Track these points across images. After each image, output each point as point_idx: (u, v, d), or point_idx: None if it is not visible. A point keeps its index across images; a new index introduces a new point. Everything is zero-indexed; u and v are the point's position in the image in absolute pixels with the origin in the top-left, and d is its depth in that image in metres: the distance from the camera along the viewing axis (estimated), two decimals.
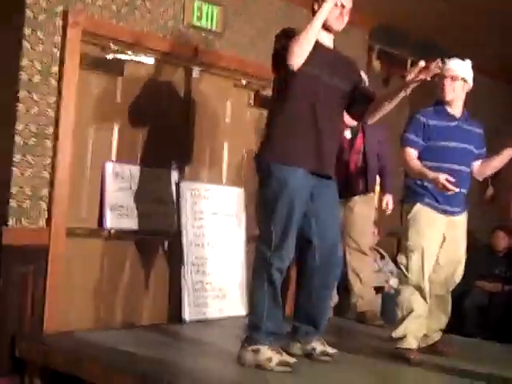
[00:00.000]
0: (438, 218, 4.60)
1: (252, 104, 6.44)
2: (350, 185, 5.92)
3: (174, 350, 4.73)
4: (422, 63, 4.04)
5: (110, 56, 5.34)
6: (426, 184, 4.56)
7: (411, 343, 4.59)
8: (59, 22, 4.96)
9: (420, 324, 4.64)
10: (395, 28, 7.24)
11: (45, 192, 4.90)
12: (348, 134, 5.95)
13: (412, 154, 4.61)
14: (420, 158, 4.61)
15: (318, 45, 4.13)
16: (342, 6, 4.28)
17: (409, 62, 7.87)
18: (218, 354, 4.62)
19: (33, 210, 4.85)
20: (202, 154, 6.04)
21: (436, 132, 4.61)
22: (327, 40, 4.36)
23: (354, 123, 5.85)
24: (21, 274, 4.78)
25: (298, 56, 3.99)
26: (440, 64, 4.05)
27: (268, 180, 4.18)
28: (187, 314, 5.60)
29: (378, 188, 6.37)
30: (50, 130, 4.91)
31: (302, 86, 4.15)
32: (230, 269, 6.01)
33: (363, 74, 5.03)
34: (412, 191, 4.67)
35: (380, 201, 6.21)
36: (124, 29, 5.36)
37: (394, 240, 8.11)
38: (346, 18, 4.33)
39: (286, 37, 4.13)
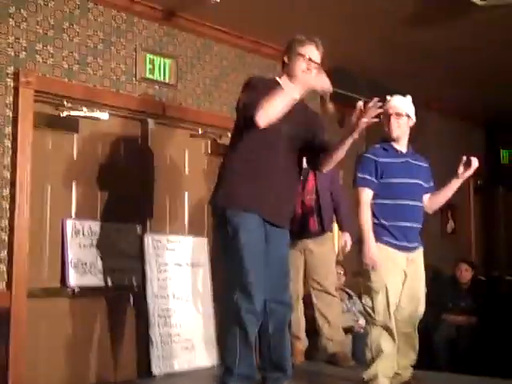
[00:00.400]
0: (398, 255, 4.60)
1: (209, 153, 6.45)
2: (306, 226, 5.91)
3: None
4: (360, 104, 4.07)
5: (64, 114, 5.35)
6: (383, 222, 4.58)
7: (382, 383, 4.57)
8: (10, 82, 4.97)
9: (390, 363, 4.62)
10: (347, 70, 7.33)
11: (3, 254, 4.84)
12: None
13: (367, 195, 4.60)
14: (375, 195, 4.61)
15: None
16: (310, 60, 4.30)
17: (361, 102, 7.98)
18: None
19: None
20: (163, 206, 6.03)
21: (387, 169, 4.62)
22: None
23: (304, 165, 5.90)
24: None
25: (265, 122, 3.97)
26: (377, 103, 4.04)
27: (224, 224, 4.17)
28: (156, 367, 5.53)
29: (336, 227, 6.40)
30: (7, 191, 4.88)
31: (261, 135, 4.11)
32: (197, 319, 5.95)
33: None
34: (373, 230, 4.62)
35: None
36: (77, 86, 5.37)
37: (360, 280, 8.14)
38: (315, 72, 4.29)
39: (253, 90, 4.11)
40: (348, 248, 6.09)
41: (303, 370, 5.56)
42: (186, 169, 6.30)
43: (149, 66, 5.89)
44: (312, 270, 5.94)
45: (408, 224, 4.61)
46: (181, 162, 6.25)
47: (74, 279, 5.27)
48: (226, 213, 4.16)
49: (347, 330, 6.62)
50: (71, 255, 5.29)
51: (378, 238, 4.58)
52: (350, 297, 7.25)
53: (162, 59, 5.98)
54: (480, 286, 7.98)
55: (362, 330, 6.93)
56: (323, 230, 5.97)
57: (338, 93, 7.69)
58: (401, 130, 4.72)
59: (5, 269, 4.85)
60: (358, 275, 8.05)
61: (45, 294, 5.16)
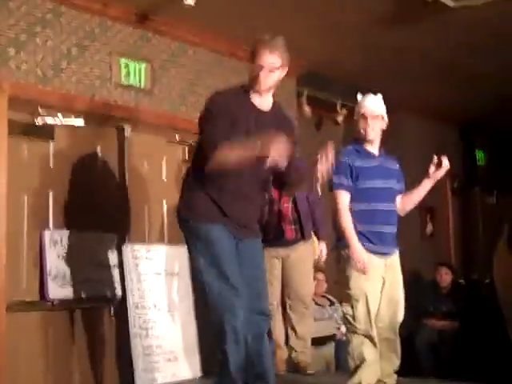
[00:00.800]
0: (376, 260, 4.48)
1: (187, 159, 6.32)
2: (282, 234, 5.81)
3: None
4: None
5: (39, 121, 5.20)
6: (359, 227, 4.44)
7: None
8: None
9: (373, 371, 4.51)
10: (322, 73, 7.31)
11: None
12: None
13: (345, 199, 4.48)
14: (350, 199, 4.50)
15: (249, 108, 3.94)
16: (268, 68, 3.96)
17: (338, 104, 7.93)
18: None
19: None
20: (141, 214, 5.92)
21: (361, 173, 4.51)
22: (261, 101, 4.03)
23: None
24: None
25: (215, 169, 3.79)
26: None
27: (191, 235, 4.02)
28: (139, 380, 5.40)
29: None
30: None
31: None
32: (178, 330, 5.83)
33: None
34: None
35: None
36: (51, 92, 5.25)
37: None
38: (276, 74, 4.01)
39: (214, 121, 3.82)
40: (324, 257, 6.07)
41: (286, 380, 5.53)
42: (164, 176, 6.18)
43: (124, 71, 5.77)
44: (289, 277, 5.89)
45: (384, 228, 4.52)
46: (158, 169, 6.13)
47: (53, 291, 5.12)
48: (190, 224, 4.00)
49: (329, 338, 6.56)
50: (50, 266, 5.14)
51: None
52: (331, 303, 7.17)
53: (136, 63, 5.86)
54: (460, 290, 7.94)
55: (344, 338, 6.84)
56: (303, 237, 5.89)
57: (315, 96, 7.70)
58: (375, 133, 4.59)
59: None
60: (338, 283, 8.07)
61: (24, 307, 5.01)
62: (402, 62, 7.16)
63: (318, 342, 6.41)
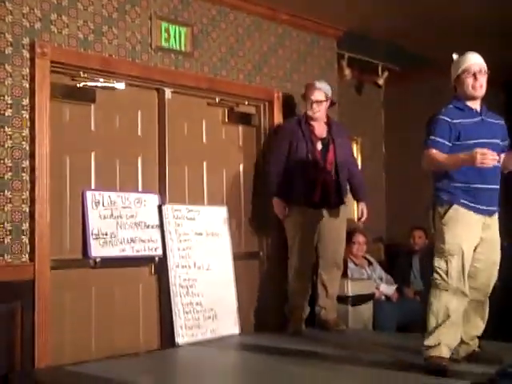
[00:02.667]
0: (475, 218, 4.37)
1: (227, 121, 6.40)
2: (327, 197, 5.96)
3: (172, 376, 4.72)
4: None
5: (80, 84, 5.31)
6: (461, 184, 4.35)
7: (444, 352, 4.33)
8: (26, 54, 4.93)
9: (454, 332, 4.39)
10: (363, 35, 7.24)
11: (25, 226, 4.84)
12: (319, 145, 5.97)
13: (437, 155, 4.34)
14: None
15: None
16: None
17: (380, 67, 7.90)
18: (217, 376, 4.63)
19: (15, 245, 4.79)
20: (181, 176, 6.00)
21: (463, 130, 4.37)
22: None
23: (324, 135, 5.93)
24: (8, 311, 4.70)
25: None
26: None
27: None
28: (180, 337, 5.56)
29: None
30: (26, 163, 4.87)
31: None
32: (219, 288, 5.95)
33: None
34: (446, 193, 4.40)
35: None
36: (92, 56, 5.33)
37: (381, 245, 8.13)
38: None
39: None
40: (365, 217, 6.18)
41: (306, 336, 5.83)
42: (204, 138, 6.25)
43: (164, 35, 5.82)
44: (325, 239, 6.04)
45: (488, 186, 4.39)
46: (198, 131, 6.20)
47: (95, 250, 5.25)
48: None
49: (367, 297, 6.62)
50: (92, 226, 5.27)
51: (454, 200, 4.37)
52: (370, 264, 7.23)
53: (177, 27, 5.91)
54: None
55: (383, 297, 6.93)
56: (341, 201, 6.03)
57: (356, 59, 7.69)
58: (483, 90, 4.48)
59: (27, 241, 4.84)
60: (378, 241, 8.12)
61: (67, 265, 5.16)
62: (445, 21, 7.04)
63: (356, 301, 6.48)
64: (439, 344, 4.31)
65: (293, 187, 5.93)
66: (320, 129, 6.07)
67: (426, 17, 6.83)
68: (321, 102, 6.03)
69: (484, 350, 4.63)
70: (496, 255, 4.53)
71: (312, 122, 6.05)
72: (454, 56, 4.61)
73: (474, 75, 4.46)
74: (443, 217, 4.38)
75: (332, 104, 6.19)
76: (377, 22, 6.91)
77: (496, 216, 4.52)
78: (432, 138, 4.38)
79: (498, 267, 4.55)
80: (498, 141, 4.50)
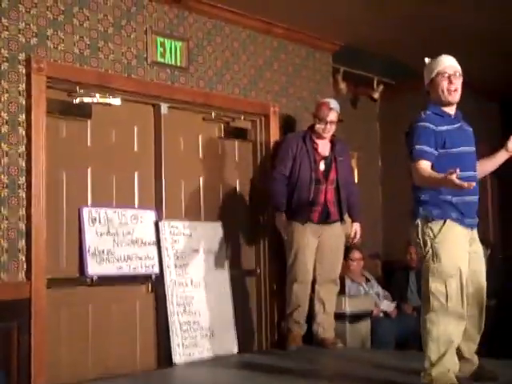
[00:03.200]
0: (464, 233, 4.17)
1: (223, 136, 6.35)
2: (328, 214, 5.96)
3: None
4: None
5: (76, 100, 5.26)
6: (449, 198, 4.10)
7: (453, 378, 4.08)
8: (22, 69, 4.88)
9: (455, 356, 4.17)
10: (358, 49, 7.22)
11: (22, 244, 4.77)
12: (322, 165, 5.93)
13: (427, 166, 4.11)
14: (434, 169, 4.12)
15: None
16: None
17: (375, 81, 7.89)
18: None
19: (11, 264, 4.72)
20: (177, 191, 5.94)
21: (448, 138, 4.17)
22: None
23: (327, 154, 5.90)
24: (4, 330, 4.63)
25: None
26: None
27: None
28: (177, 356, 5.49)
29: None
30: (22, 179, 4.80)
31: None
32: (216, 306, 5.89)
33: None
34: (435, 207, 4.16)
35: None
36: (88, 71, 5.28)
37: (378, 262, 8.10)
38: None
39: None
40: (358, 237, 6.20)
41: (304, 354, 5.75)
42: (200, 153, 6.20)
43: (160, 50, 5.78)
44: (323, 256, 6.01)
45: (473, 198, 4.18)
46: (194, 147, 6.15)
47: (92, 268, 5.18)
48: None
49: (365, 315, 6.57)
50: (89, 243, 5.21)
51: (446, 215, 4.13)
52: (367, 280, 7.18)
53: (172, 42, 5.86)
54: (497, 267, 7.76)
55: (381, 314, 6.87)
56: (341, 218, 6.06)
57: (351, 73, 7.66)
58: (458, 95, 4.26)
59: (24, 258, 4.77)
60: (375, 257, 8.08)
61: (64, 283, 5.09)
62: (442, 37, 7.03)
63: (353, 318, 6.43)
64: (448, 371, 4.09)
65: (294, 203, 5.90)
66: (324, 147, 6.03)
67: (421, 30, 6.83)
68: (334, 122, 6.00)
69: (483, 367, 4.45)
70: (483, 267, 4.35)
71: (317, 140, 6.01)
72: (427, 60, 4.41)
73: (449, 78, 4.26)
74: (436, 235, 4.14)
75: (339, 121, 6.14)
76: (372, 35, 6.88)
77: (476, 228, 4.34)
78: (418, 147, 4.14)
79: (485, 276, 4.35)
80: (474, 148, 4.32)
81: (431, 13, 6.37)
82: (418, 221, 4.22)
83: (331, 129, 6.00)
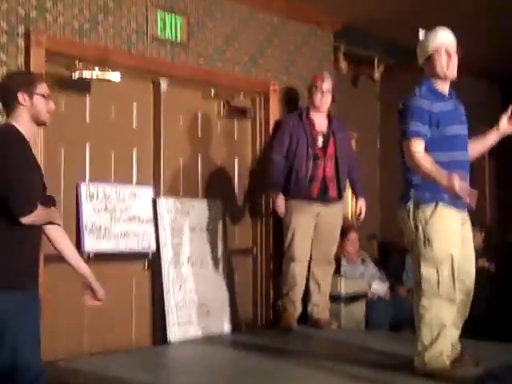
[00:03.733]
0: (457, 216, 4.09)
1: (222, 114, 6.29)
2: (326, 191, 5.92)
3: (162, 373, 4.66)
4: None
5: (75, 74, 5.18)
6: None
7: (446, 361, 4.10)
8: (21, 42, 4.81)
9: (449, 340, 4.15)
10: (360, 28, 7.16)
11: None
12: (320, 140, 5.90)
13: (420, 146, 3.99)
14: (427, 150, 4.02)
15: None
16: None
17: (376, 60, 7.83)
18: (205, 373, 4.59)
19: None
20: (176, 169, 5.90)
21: (442, 118, 4.05)
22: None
23: (324, 129, 5.86)
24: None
25: None
26: None
27: None
28: (172, 333, 5.49)
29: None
30: None
31: None
32: (212, 284, 5.89)
33: None
34: (427, 189, 4.05)
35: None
36: (88, 46, 5.22)
37: (374, 243, 8.08)
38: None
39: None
40: (363, 214, 6.11)
41: (298, 334, 5.77)
42: (199, 131, 6.15)
43: (160, 25, 5.70)
44: (320, 235, 5.99)
45: (465, 177, 3.99)
46: (193, 124, 6.10)
47: (88, 244, 5.16)
48: None
49: (360, 296, 6.57)
50: (86, 220, 5.18)
51: (439, 197, 4.01)
52: (363, 261, 7.15)
53: (173, 16, 5.79)
54: (493, 251, 7.76)
55: (375, 297, 6.85)
56: (339, 196, 5.98)
57: (352, 52, 7.60)
58: (455, 69, 4.12)
59: None
60: (372, 238, 8.06)
61: (60, 259, 5.01)
62: (442, 15, 6.97)
63: (348, 300, 6.44)
64: (440, 356, 4.08)
65: (292, 181, 5.87)
66: (321, 123, 6.00)
67: (423, 9, 6.76)
68: (329, 92, 5.99)
69: (463, 353, 4.39)
70: (472, 251, 4.27)
71: (313, 116, 5.99)
72: (421, 33, 4.24)
73: (448, 53, 4.13)
74: (429, 218, 4.04)
75: (333, 101, 6.10)
76: (374, 14, 6.83)
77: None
78: (412, 126, 4.02)
79: (474, 263, 4.27)
80: (466, 127, 4.22)
81: None
82: (409, 204, 4.13)
83: (327, 100, 5.98)
